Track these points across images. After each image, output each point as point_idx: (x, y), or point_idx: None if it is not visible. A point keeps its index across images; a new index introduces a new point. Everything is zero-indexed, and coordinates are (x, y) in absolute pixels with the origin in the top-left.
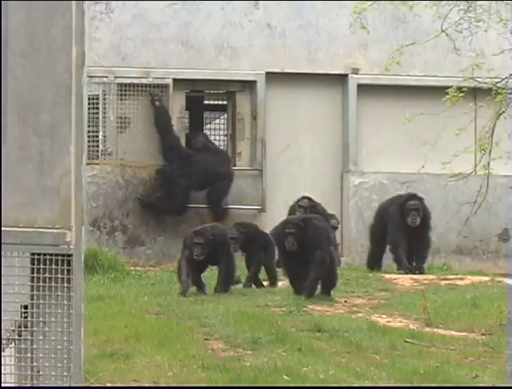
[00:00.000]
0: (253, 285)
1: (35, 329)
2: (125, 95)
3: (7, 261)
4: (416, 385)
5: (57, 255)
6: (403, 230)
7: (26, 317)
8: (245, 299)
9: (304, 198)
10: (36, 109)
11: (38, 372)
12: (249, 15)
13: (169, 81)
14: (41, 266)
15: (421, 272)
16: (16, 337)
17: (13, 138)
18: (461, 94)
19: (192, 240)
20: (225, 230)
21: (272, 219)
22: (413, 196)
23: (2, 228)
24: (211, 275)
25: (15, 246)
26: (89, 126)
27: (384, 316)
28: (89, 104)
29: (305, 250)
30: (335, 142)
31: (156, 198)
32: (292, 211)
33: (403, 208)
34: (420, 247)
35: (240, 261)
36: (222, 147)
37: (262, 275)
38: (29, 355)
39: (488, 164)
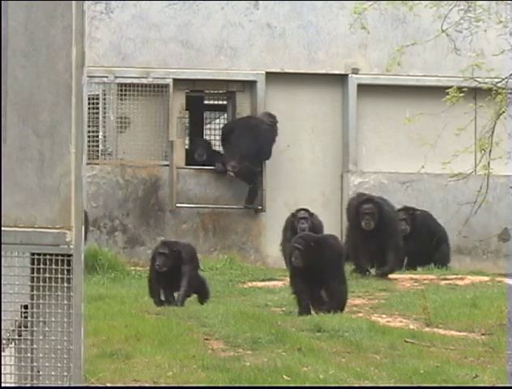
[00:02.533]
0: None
1: (35, 329)
2: (125, 95)
3: (7, 261)
4: (416, 385)
5: (57, 255)
6: (358, 233)
7: (26, 317)
8: (245, 299)
9: (302, 210)
10: (36, 109)
11: (38, 372)
12: (249, 15)
13: (169, 81)
14: (41, 266)
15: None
16: (16, 337)
17: (13, 138)
18: (461, 94)
19: (157, 250)
20: (195, 250)
21: (272, 219)
22: (368, 200)
23: (2, 228)
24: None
25: (15, 246)
26: (89, 126)
27: (384, 316)
28: (89, 104)
29: (318, 270)
30: (335, 142)
31: None
32: (288, 224)
33: (358, 211)
34: (383, 251)
35: None
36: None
37: None
38: (29, 355)
39: (488, 164)
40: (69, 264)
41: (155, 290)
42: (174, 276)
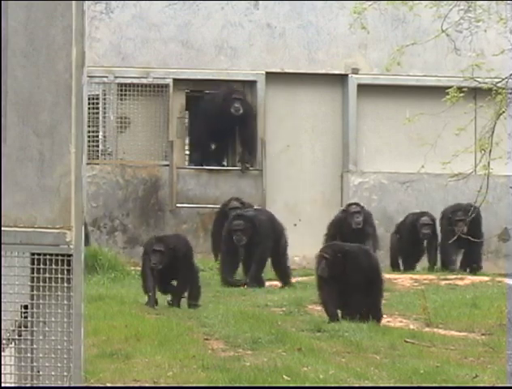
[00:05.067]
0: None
1: (35, 329)
2: (125, 95)
3: (7, 261)
4: (416, 385)
5: (57, 255)
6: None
7: (26, 317)
8: (245, 299)
9: (353, 204)
10: (36, 109)
11: (38, 372)
12: (249, 15)
13: (169, 81)
14: (41, 266)
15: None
16: (16, 337)
17: (13, 138)
18: (461, 94)
19: (152, 247)
20: (188, 241)
21: None
22: (238, 216)
23: (2, 228)
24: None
25: (15, 246)
26: (89, 126)
27: (384, 316)
28: (89, 104)
29: (348, 281)
30: (335, 142)
31: None
32: (337, 219)
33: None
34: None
35: None
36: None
37: None
38: (29, 355)
39: (488, 164)
40: (69, 264)
41: (150, 286)
42: (168, 271)
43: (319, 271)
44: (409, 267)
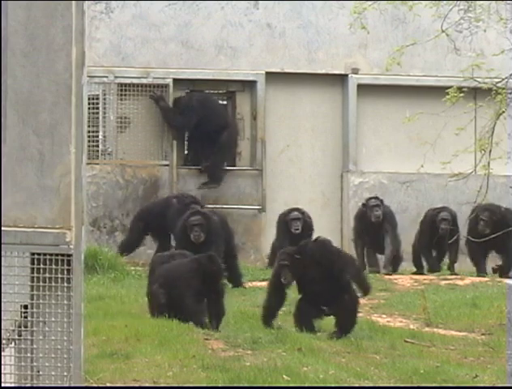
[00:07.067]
0: None
1: (35, 329)
2: (125, 95)
3: (7, 261)
4: (416, 385)
5: (57, 255)
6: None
7: (26, 317)
8: (245, 299)
9: (372, 198)
10: (36, 109)
11: (38, 372)
12: (249, 15)
13: (169, 81)
14: (41, 266)
15: None
16: (16, 337)
17: (13, 138)
18: (461, 94)
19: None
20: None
21: (272, 219)
22: (196, 212)
23: (2, 228)
24: None
25: (15, 246)
26: (89, 126)
27: (384, 316)
28: (89, 104)
29: (308, 279)
30: (335, 142)
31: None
32: (359, 215)
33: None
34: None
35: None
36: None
37: None
38: (29, 355)
39: (488, 164)
40: (69, 264)
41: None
42: None
43: (283, 280)
44: (433, 266)
